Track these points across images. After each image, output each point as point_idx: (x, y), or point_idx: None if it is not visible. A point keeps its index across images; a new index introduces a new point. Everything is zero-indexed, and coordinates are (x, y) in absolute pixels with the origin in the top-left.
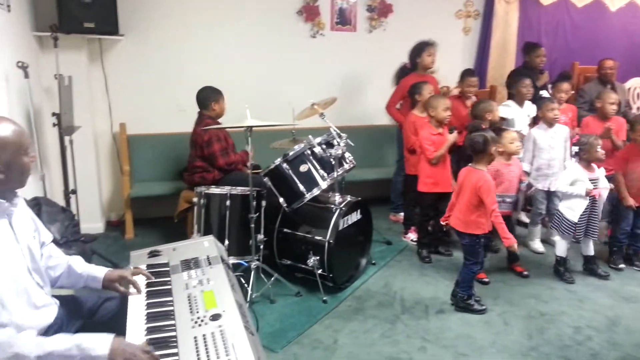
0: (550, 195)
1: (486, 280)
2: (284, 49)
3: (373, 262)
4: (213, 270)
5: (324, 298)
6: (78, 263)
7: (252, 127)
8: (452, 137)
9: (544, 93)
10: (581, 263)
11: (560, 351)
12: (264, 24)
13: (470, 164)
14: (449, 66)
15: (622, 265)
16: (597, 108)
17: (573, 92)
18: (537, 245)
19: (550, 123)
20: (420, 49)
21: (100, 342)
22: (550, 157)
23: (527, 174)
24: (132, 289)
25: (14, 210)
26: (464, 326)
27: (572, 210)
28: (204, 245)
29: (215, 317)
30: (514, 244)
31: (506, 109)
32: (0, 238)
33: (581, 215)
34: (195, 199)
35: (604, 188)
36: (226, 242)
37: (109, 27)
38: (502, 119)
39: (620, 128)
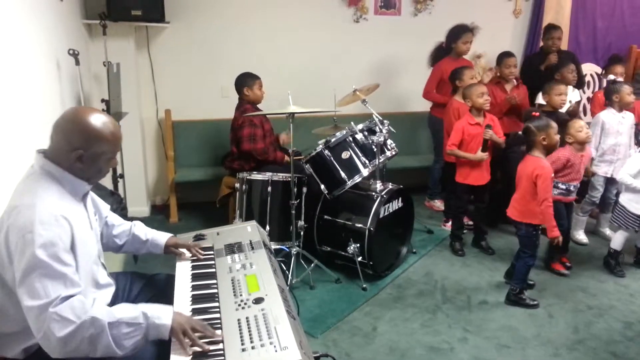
0: (609, 183)
1: (569, 264)
2: (327, 34)
3: (414, 250)
4: (256, 254)
5: (364, 285)
6: (140, 229)
7: (294, 113)
8: (479, 156)
9: (618, 77)
10: (633, 256)
11: (608, 346)
12: (308, 9)
13: (528, 153)
14: (498, 50)
15: None
16: None
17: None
18: (582, 236)
19: (620, 107)
20: (457, 34)
21: (163, 312)
22: (617, 143)
23: (592, 159)
24: (187, 254)
25: (89, 191)
26: (507, 318)
27: (636, 203)
28: (247, 230)
29: (258, 301)
30: (558, 237)
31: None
32: (81, 214)
33: None
34: (237, 185)
35: None
36: (267, 227)
37: (156, 15)
38: (540, 105)
39: None
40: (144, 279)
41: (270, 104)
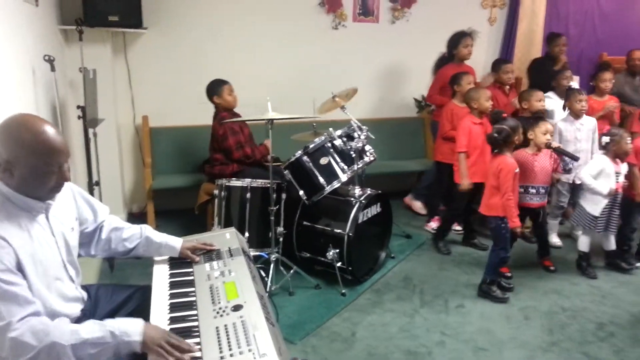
0: (574, 188)
1: (508, 275)
2: (305, 40)
3: (392, 255)
4: (234, 261)
5: (343, 291)
6: (153, 232)
7: (272, 119)
8: (467, 185)
9: (574, 84)
10: (603, 258)
11: (581, 347)
12: (286, 16)
13: (495, 151)
14: (474, 56)
15: (638, 264)
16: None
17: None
18: (555, 239)
19: (577, 115)
20: (457, 40)
21: (133, 327)
22: (576, 150)
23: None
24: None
25: (51, 204)
26: (484, 320)
27: (593, 203)
28: (226, 237)
29: (236, 308)
30: (517, 227)
31: (547, 101)
32: (36, 230)
33: (602, 209)
34: (215, 191)
35: (624, 183)
36: (246, 234)
37: (133, 21)
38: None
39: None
40: (127, 290)
41: (250, 110)
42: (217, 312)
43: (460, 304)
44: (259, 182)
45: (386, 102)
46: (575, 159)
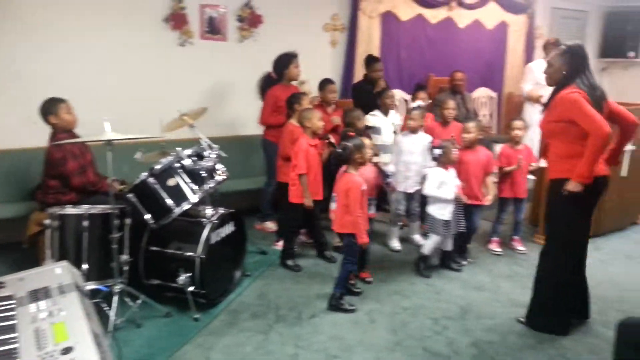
0: (409, 197)
1: (370, 280)
2: (150, 57)
3: (248, 273)
4: (65, 299)
5: (196, 316)
6: None
7: (111, 140)
8: (309, 203)
9: (418, 102)
10: (438, 258)
11: (421, 343)
12: (128, 31)
13: (343, 168)
14: (318, 78)
15: (464, 262)
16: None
17: (430, 101)
18: (395, 244)
19: (412, 130)
20: (288, 60)
21: None
22: (409, 161)
23: (392, 174)
24: None
25: None
26: (335, 328)
27: (442, 210)
28: (56, 273)
29: (66, 351)
30: (366, 243)
31: (373, 118)
32: None
33: (449, 212)
34: (47, 221)
35: (457, 186)
36: (85, 266)
37: None
38: (368, 127)
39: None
40: None
41: (88, 130)
42: (43, 359)
43: (313, 314)
44: (99, 209)
45: (236, 120)
46: (386, 176)
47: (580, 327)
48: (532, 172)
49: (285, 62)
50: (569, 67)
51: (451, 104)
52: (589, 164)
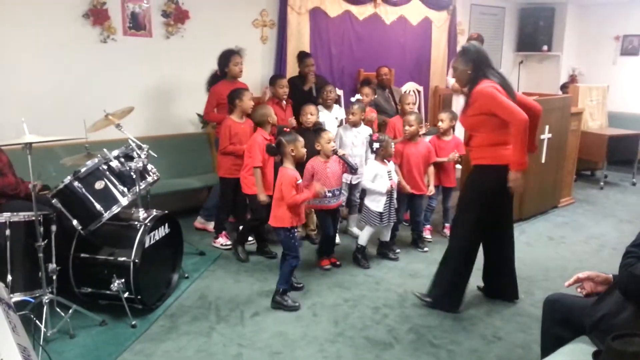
0: (351, 188)
1: (338, 263)
2: (70, 55)
3: (186, 275)
4: None
5: (133, 322)
6: None
7: (31, 143)
8: (264, 199)
9: (358, 96)
10: (376, 248)
11: (362, 332)
12: (44, 27)
13: (281, 164)
14: (248, 73)
15: (398, 250)
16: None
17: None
18: (355, 230)
19: (354, 124)
20: (227, 58)
21: None
22: (351, 154)
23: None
24: None
25: None
26: (278, 324)
27: (376, 202)
28: None
29: None
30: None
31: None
32: None
33: (384, 205)
34: None
35: (395, 179)
36: (9, 277)
37: None
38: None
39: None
40: None
41: (8, 132)
42: None
43: (255, 312)
44: (21, 216)
45: (166, 119)
46: (354, 169)
47: (510, 307)
48: (459, 162)
49: (225, 59)
50: (473, 65)
51: (410, 98)
52: (519, 151)
